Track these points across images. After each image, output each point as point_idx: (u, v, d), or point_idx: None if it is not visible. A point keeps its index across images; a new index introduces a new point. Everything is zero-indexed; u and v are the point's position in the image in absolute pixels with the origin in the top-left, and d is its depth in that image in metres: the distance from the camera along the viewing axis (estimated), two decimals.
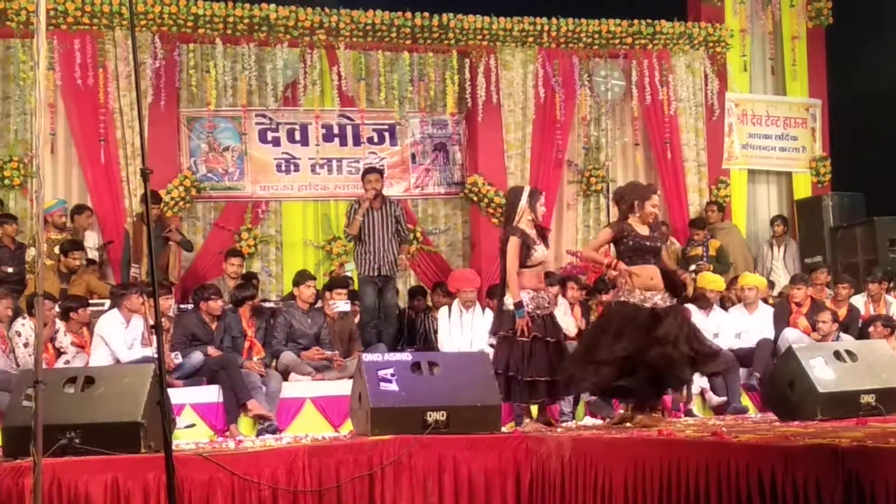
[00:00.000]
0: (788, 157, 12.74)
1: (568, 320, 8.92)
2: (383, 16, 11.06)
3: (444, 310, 9.32)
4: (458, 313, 9.21)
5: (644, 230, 6.77)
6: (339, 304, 8.90)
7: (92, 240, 10.04)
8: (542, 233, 7.10)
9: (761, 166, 12.68)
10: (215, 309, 8.31)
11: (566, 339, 7.48)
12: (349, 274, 10.45)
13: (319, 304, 8.91)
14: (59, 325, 7.98)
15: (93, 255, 9.90)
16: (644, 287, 6.60)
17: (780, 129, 12.63)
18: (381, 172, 10.11)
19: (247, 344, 8.38)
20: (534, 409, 7.14)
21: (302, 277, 8.89)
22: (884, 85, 12.31)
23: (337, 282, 9.36)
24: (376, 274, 9.15)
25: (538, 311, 6.84)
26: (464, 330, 9.01)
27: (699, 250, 11.16)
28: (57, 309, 8.14)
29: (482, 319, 9.05)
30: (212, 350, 8.11)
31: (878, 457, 3.85)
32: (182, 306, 9.17)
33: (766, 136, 12.59)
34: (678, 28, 11.97)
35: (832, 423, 6.10)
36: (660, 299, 6.62)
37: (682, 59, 12.04)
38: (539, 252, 6.91)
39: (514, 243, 6.80)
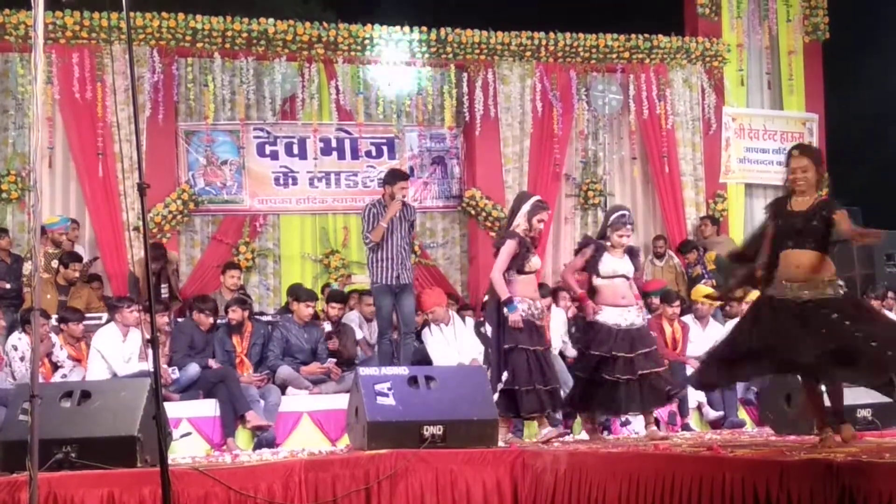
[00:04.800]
0: None
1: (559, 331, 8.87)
2: (381, 30, 11.10)
3: (426, 330, 9.13)
4: (437, 329, 9.04)
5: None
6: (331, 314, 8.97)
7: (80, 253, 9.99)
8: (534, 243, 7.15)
9: (758, 180, 12.68)
10: (204, 323, 8.36)
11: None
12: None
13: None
14: (56, 339, 7.98)
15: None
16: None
17: (776, 144, 12.63)
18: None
19: (237, 360, 8.36)
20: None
21: (304, 295, 8.78)
22: (880, 99, 12.36)
23: (333, 296, 9.37)
24: (394, 282, 8.45)
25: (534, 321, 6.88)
26: (449, 342, 8.93)
27: (698, 269, 11.16)
28: (54, 322, 8.13)
29: (464, 329, 9.02)
30: (212, 362, 8.14)
31: (872, 472, 3.85)
32: (179, 320, 9.16)
33: (762, 150, 12.60)
34: (675, 42, 12.02)
35: None
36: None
37: (679, 73, 12.08)
38: (535, 261, 6.99)
39: (509, 246, 6.86)
